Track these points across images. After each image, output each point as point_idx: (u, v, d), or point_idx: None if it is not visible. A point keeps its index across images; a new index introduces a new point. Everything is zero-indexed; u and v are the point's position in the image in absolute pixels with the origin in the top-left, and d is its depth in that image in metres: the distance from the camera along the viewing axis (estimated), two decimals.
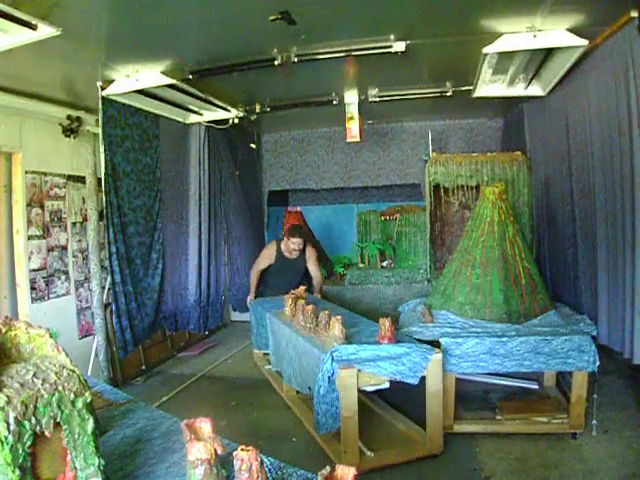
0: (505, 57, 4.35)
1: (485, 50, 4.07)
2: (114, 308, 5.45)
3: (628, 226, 4.03)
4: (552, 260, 6.06)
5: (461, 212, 7.24)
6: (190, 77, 4.75)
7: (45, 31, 3.30)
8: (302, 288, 5.91)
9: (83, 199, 5.97)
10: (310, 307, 4.76)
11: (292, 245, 6.56)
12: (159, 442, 2.44)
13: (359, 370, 3.88)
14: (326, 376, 3.87)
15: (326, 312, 4.49)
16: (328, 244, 9.48)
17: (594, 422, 4.50)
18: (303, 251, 6.73)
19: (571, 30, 3.92)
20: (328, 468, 1.72)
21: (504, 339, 4.39)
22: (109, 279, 5.44)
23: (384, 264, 8.53)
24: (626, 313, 4.11)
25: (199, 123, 6.50)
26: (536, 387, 5.01)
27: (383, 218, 8.90)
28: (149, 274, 6.04)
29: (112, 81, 4.81)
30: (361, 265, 8.80)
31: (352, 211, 9.61)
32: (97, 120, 5.30)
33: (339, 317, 4.27)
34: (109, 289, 5.64)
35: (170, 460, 2.25)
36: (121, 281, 5.47)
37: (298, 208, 9.73)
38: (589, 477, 3.98)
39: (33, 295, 5.33)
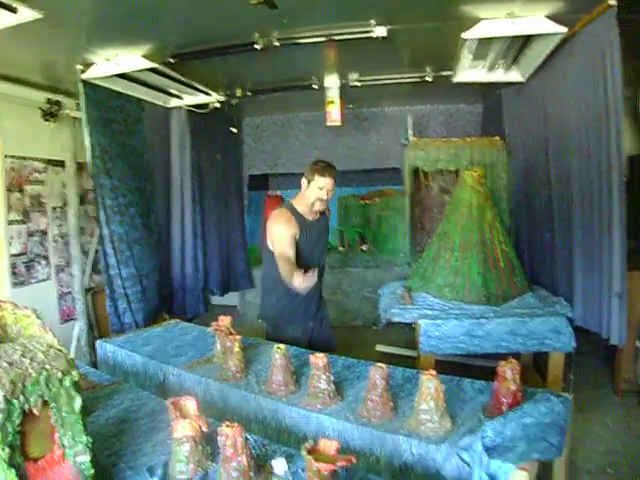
0: (484, 43, 4.36)
1: (464, 35, 4.09)
2: (108, 292, 5.41)
3: (605, 210, 4.10)
4: (530, 243, 6.14)
5: (441, 196, 7.30)
6: (171, 61, 4.73)
7: (26, 14, 3.29)
8: (225, 319, 3.59)
9: (63, 183, 5.94)
10: (324, 359, 2.81)
11: (320, 193, 4.01)
12: (144, 422, 2.49)
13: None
14: None
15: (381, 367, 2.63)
16: None
17: None
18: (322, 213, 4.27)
19: (550, 17, 3.96)
20: (311, 441, 1.77)
21: (482, 321, 4.46)
22: (102, 262, 5.39)
23: (364, 248, 8.61)
24: (603, 295, 4.19)
25: (180, 107, 6.47)
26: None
27: (363, 202, 8.97)
28: (153, 256, 6.02)
29: (92, 64, 4.77)
30: (341, 249, 8.88)
31: None
32: (77, 104, 5.27)
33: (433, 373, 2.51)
34: (92, 273, 5.63)
35: (156, 439, 2.30)
36: (117, 264, 5.43)
37: (278, 192, 9.74)
38: (568, 457, 4.09)
39: (14, 280, 5.33)
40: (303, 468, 1.83)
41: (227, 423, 1.90)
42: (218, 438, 1.90)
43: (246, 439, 1.91)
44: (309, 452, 1.71)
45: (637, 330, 4.94)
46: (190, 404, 2.15)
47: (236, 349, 3.21)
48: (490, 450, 2.17)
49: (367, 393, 2.62)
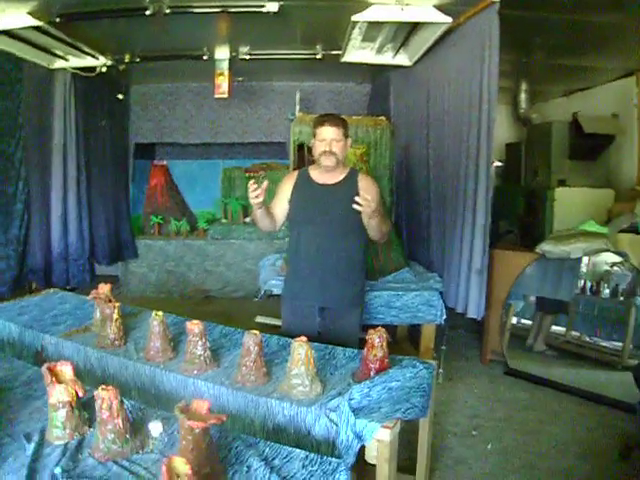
0: (374, 26, 4.48)
1: (354, 18, 4.18)
2: None
3: (470, 191, 4.41)
4: (409, 221, 6.40)
5: None
6: (58, 20, 4.54)
7: None
8: (104, 287, 3.54)
9: None
10: (199, 325, 2.84)
11: (322, 145, 3.38)
12: (20, 390, 2.46)
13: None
14: (352, 444, 2.27)
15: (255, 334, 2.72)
16: (193, 199, 9.56)
17: (441, 370, 4.87)
18: (351, 176, 3.54)
19: (437, 7, 4.12)
20: (184, 402, 1.84)
21: None
22: None
23: (247, 220, 8.60)
24: (462, 271, 4.53)
25: (65, 69, 6.21)
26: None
27: (248, 175, 8.95)
28: (14, 225, 5.70)
29: None
30: (224, 220, 8.86)
31: (218, 167, 9.57)
32: None
33: (304, 339, 2.62)
34: None
35: (32, 406, 2.29)
36: None
37: (164, 162, 9.59)
38: (432, 419, 4.35)
39: None
40: (179, 430, 1.89)
41: (103, 387, 1.93)
42: (95, 403, 1.93)
43: (122, 402, 1.95)
44: (182, 412, 1.77)
45: (503, 304, 5.28)
46: (66, 370, 2.15)
47: (115, 316, 3.17)
48: (356, 411, 2.33)
49: (241, 359, 2.72)
